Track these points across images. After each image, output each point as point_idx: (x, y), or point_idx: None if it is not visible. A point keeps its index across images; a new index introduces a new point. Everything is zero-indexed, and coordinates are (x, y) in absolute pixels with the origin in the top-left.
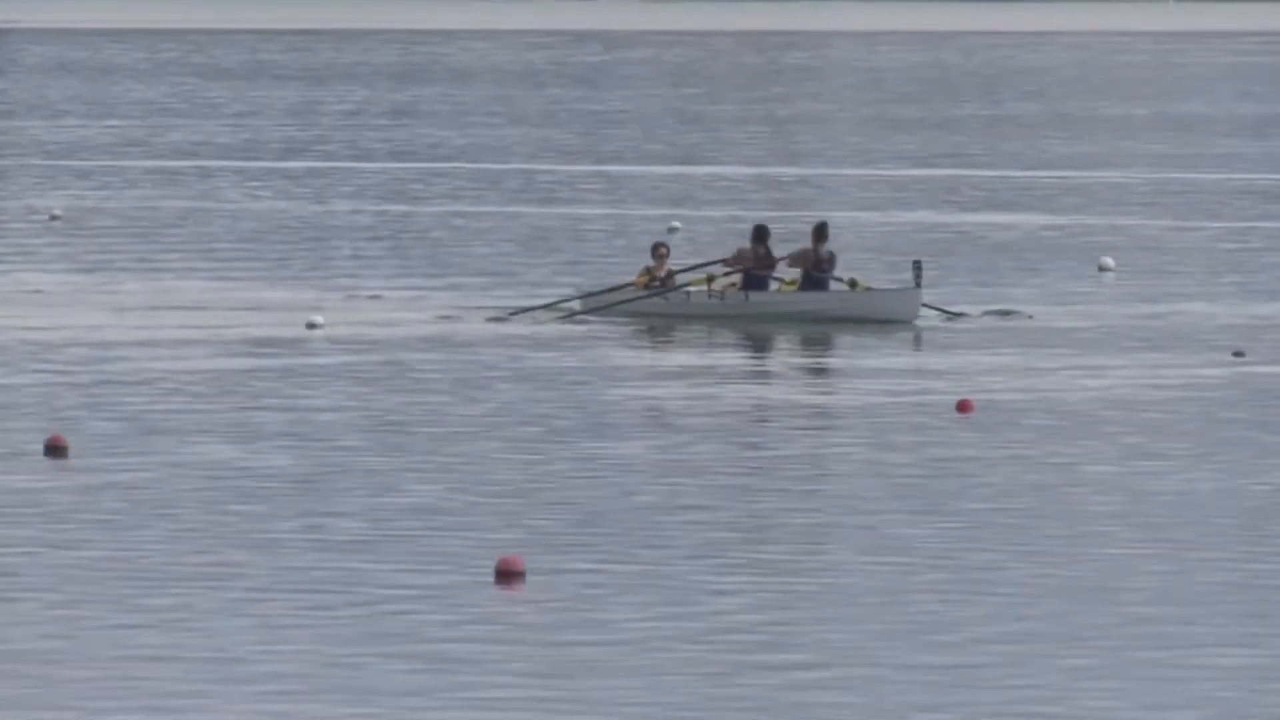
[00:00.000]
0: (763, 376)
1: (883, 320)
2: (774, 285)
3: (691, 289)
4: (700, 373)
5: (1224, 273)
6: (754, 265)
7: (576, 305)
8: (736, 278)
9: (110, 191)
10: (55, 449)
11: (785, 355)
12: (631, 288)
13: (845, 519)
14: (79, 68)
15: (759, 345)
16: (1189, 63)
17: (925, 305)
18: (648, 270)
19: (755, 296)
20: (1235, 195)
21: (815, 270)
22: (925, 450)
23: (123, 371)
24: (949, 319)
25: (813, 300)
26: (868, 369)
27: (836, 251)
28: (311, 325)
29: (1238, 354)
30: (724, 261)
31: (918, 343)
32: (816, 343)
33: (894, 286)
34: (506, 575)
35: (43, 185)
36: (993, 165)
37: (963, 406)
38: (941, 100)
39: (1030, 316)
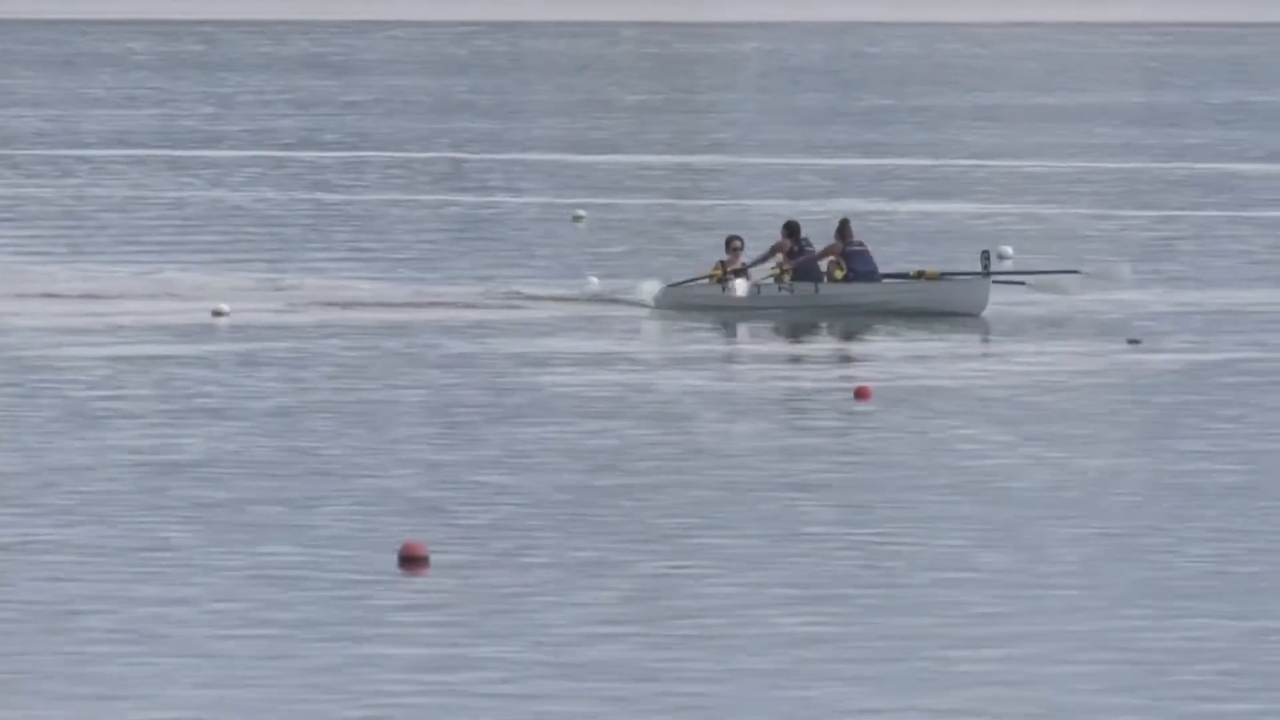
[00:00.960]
0: (683, 364)
1: (952, 312)
2: (824, 276)
3: (763, 282)
4: (620, 360)
5: (1123, 260)
6: (794, 259)
7: (652, 298)
8: (789, 270)
9: (34, 179)
10: None
11: (703, 344)
12: (706, 281)
13: (746, 505)
14: None
15: (679, 337)
16: (1094, 53)
17: (996, 280)
18: (721, 264)
19: (824, 288)
20: (1136, 184)
21: (850, 246)
22: (823, 436)
23: (50, 358)
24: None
25: (882, 291)
26: (778, 355)
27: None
28: (217, 313)
29: (1133, 341)
30: (775, 260)
31: (826, 330)
32: (744, 332)
33: (964, 277)
34: (410, 561)
35: None
36: (901, 154)
37: (860, 393)
38: (849, 90)
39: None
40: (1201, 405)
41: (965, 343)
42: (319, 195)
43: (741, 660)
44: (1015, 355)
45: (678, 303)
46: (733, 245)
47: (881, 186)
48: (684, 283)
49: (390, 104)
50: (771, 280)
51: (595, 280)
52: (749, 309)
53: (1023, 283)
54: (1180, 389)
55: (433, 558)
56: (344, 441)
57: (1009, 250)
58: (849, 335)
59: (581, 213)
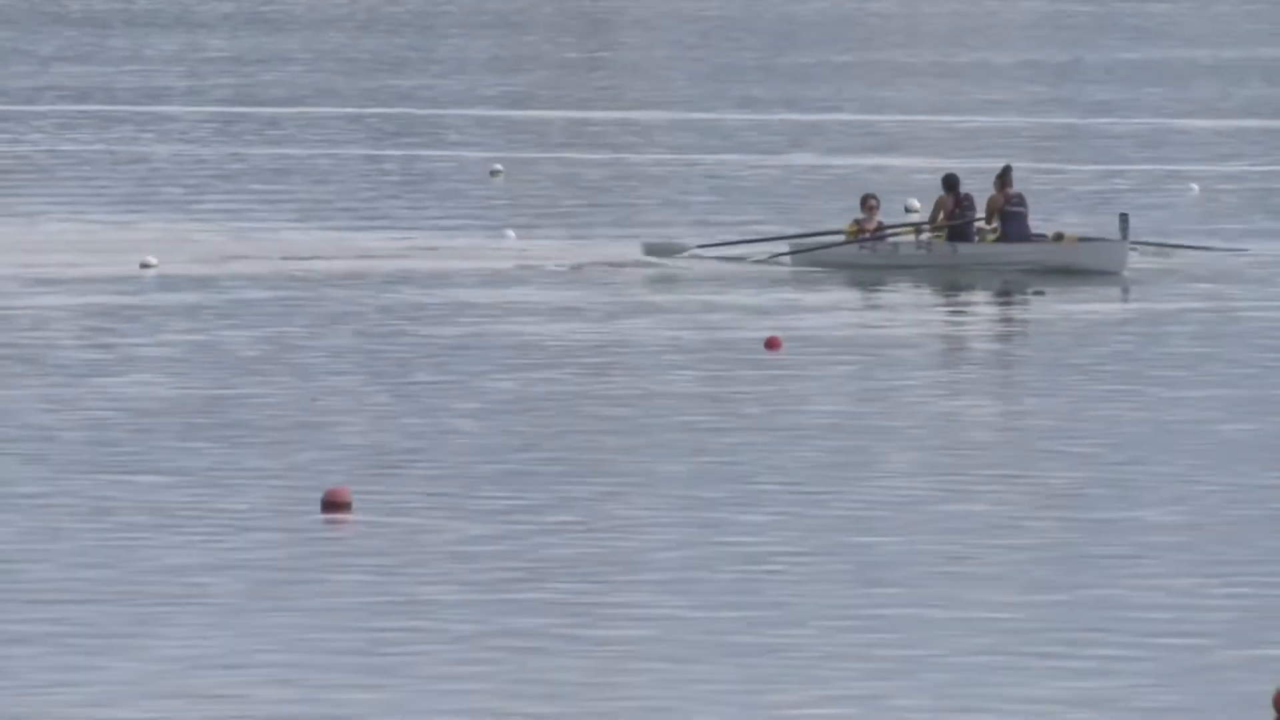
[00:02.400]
0: (612, 314)
1: (1090, 271)
2: (977, 234)
3: (900, 239)
4: (548, 311)
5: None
6: (954, 216)
7: (785, 253)
8: (942, 230)
9: None
10: None
11: (636, 295)
12: (842, 237)
13: (659, 452)
14: None
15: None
16: (998, 14)
17: (1134, 244)
18: (856, 222)
19: (963, 248)
20: (1060, 137)
21: (1009, 207)
22: (732, 385)
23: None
24: (1160, 251)
25: (1021, 251)
26: (694, 304)
27: (1024, 193)
28: (145, 265)
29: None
30: (930, 223)
31: (735, 282)
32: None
33: (1102, 238)
34: (333, 506)
35: None
36: (826, 110)
37: (770, 343)
38: (772, 48)
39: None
40: (1133, 354)
41: (868, 294)
42: (250, 150)
43: (675, 602)
44: (917, 307)
45: (815, 261)
46: (869, 204)
47: (807, 141)
48: (811, 237)
49: (324, 60)
50: (909, 239)
51: (512, 234)
52: (883, 267)
53: (1164, 250)
54: (1117, 338)
55: (356, 503)
56: (271, 388)
57: (915, 203)
58: (757, 286)
59: (499, 167)
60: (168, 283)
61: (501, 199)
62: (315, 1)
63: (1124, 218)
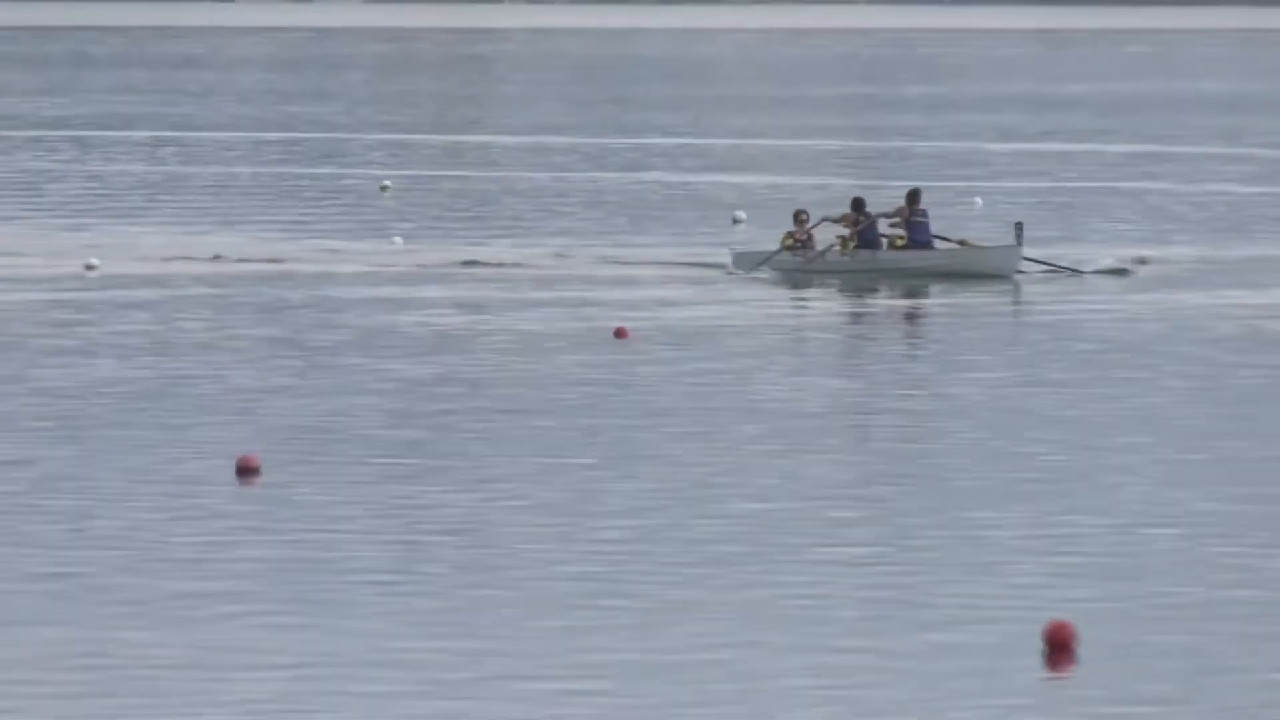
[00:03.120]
0: (479, 306)
1: (987, 274)
2: (884, 243)
3: (827, 251)
4: (432, 304)
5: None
6: (857, 227)
7: (730, 263)
8: (853, 240)
9: None
10: None
11: (502, 292)
12: (780, 248)
13: (519, 431)
14: None
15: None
16: (816, 55)
17: (1027, 259)
18: (790, 234)
19: (881, 255)
20: (825, 157)
21: (915, 218)
22: (583, 370)
23: None
24: (1055, 272)
25: (929, 257)
26: (554, 299)
27: (928, 209)
28: (89, 266)
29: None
30: (835, 220)
31: (604, 280)
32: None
33: (998, 245)
34: (244, 471)
35: None
36: (660, 134)
37: (619, 333)
38: (620, 84)
39: (1144, 262)
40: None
41: (706, 290)
42: (181, 168)
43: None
44: (746, 301)
45: (754, 266)
46: (800, 218)
47: (643, 160)
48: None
49: (246, 94)
50: (836, 248)
51: (399, 240)
52: (818, 272)
53: (1077, 270)
54: (937, 327)
55: (265, 469)
56: (205, 371)
57: (742, 214)
58: (611, 283)
59: (387, 183)
60: (111, 281)
61: (390, 210)
62: (247, 47)
63: (1019, 226)
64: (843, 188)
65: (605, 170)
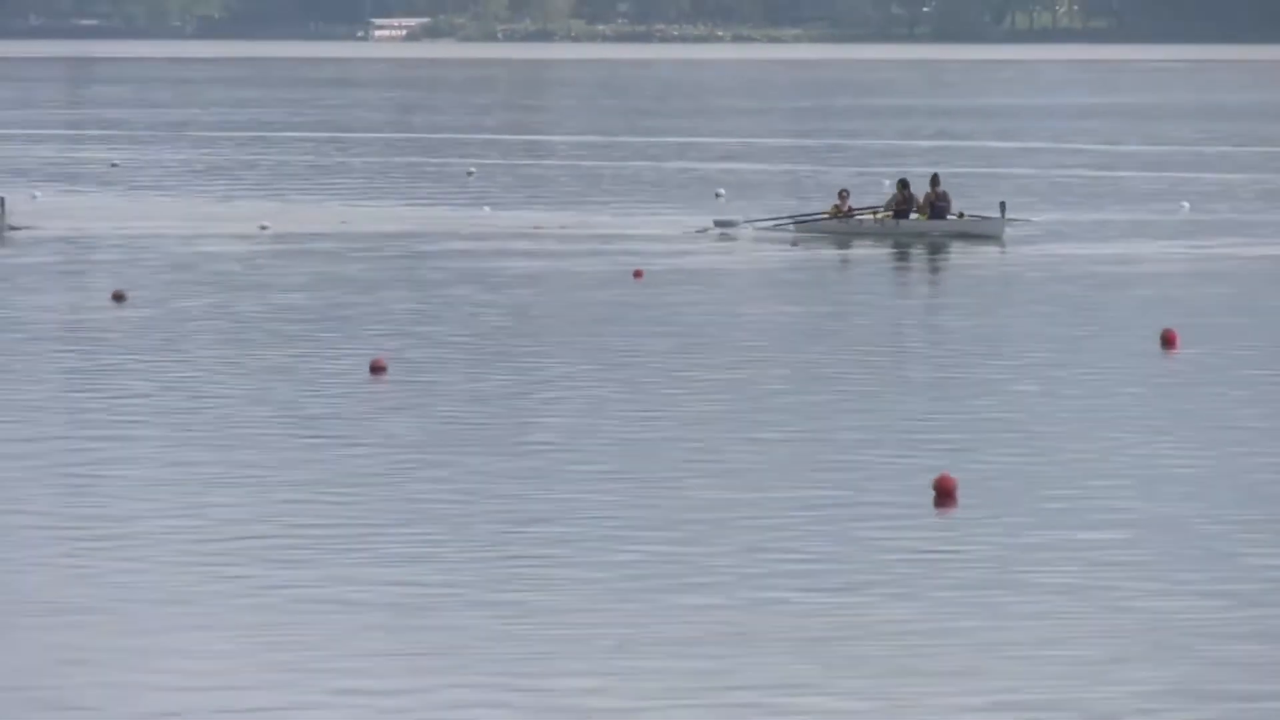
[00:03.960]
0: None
1: (980, 237)
2: (914, 216)
3: (864, 218)
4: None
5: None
6: (900, 206)
7: (790, 223)
8: (889, 212)
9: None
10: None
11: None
12: (826, 215)
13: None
14: None
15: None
16: (770, 77)
17: (1009, 220)
18: (835, 206)
19: (903, 223)
20: (784, 150)
21: (937, 202)
22: (613, 299)
23: None
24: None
25: (938, 226)
26: (594, 251)
27: (949, 192)
28: (263, 227)
29: (794, 244)
30: (886, 207)
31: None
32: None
33: (989, 217)
34: (375, 369)
35: None
36: (669, 134)
37: (636, 274)
38: (639, 98)
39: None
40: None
41: (700, 245)
42: (337, 157)
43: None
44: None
45: (810, 230)
46: (842, 194)
47: (658, 152)
48: (812, 217)
49: (376, 105)
50: (869, 217)
51: (487, 209)
52: (850, 234)
53: (1029, 220)
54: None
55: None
56: (351, 298)
57: (722, 190)
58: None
59: (473, 169)
60: (282, 238)
61: (476, 189)
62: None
63: (1003, 205)
64: (803, 172)
65: (629, 159)
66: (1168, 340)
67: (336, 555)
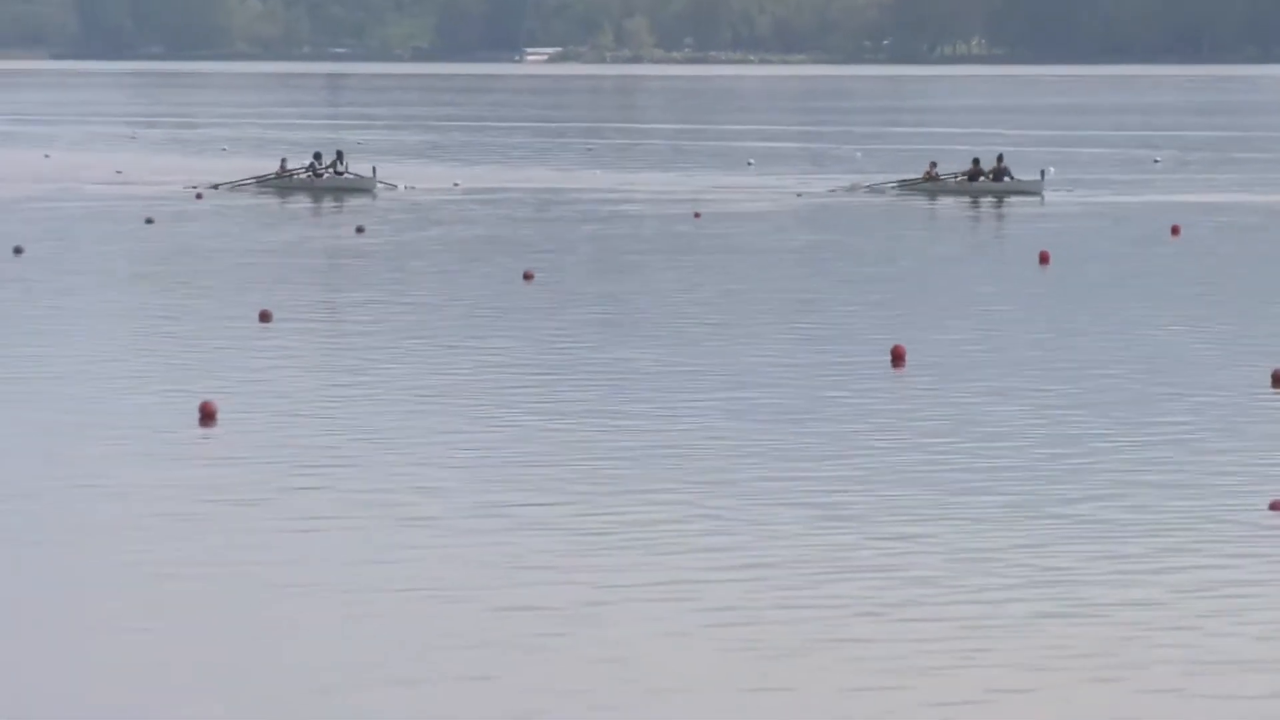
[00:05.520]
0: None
1: (1026, 194)
2: (981, 179)
3: (947, 179)
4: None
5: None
6: (973, 172)
7: (897, 186)
8: (964, 177)
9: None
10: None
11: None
12: (922, 178)
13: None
14: None
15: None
16: (762, 89)
17: (1047, 182)
18: (926, 172)
19: (972, 185)
20: (793, 135)
21: (1000, 171)
22: (674, 232)
23: None
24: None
25: (996, 186)
26: (675, 199)
27: (1006, 166)
28: (455, 184)
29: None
30: (967, 173)
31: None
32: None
33: (1034, 179)
34: (527, 277)
35: None
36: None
37: (696, 215)
38: (707, 108)
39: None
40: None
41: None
42: (499, 139)
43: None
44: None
45: (909, 189)
46: (931, 163)
47: (724, 135)
48: (903, 180)
49: (527, 111)
50: (953, 179)
51: (751, 162)
52: (929, 192)
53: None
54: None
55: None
56: (531, 232)
57: (752, 160)
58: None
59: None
60: (470, 191)
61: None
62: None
63: (1043, 171)
64: (814, 148)
65: (709, 139)
66: (1042, 259)
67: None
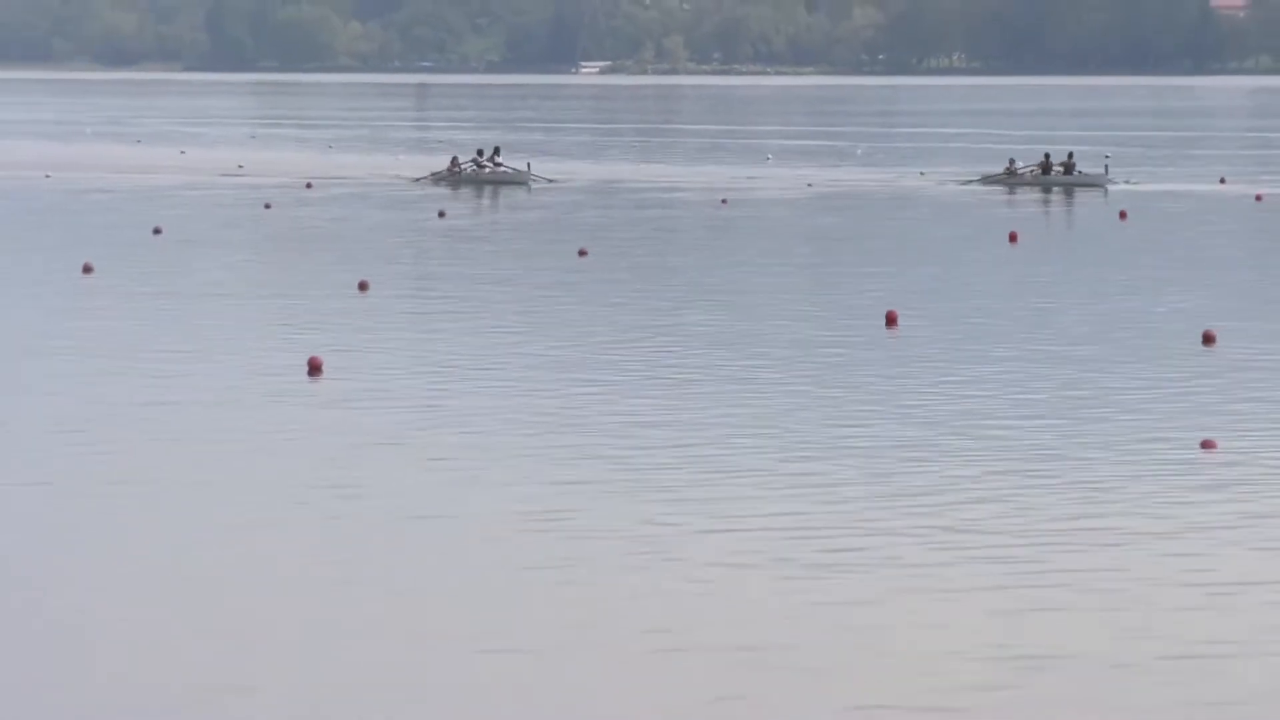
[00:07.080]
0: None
1: (1091, 186)
2: (1053, 172)
3: (1024, 173)
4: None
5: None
6: (1045, 166)
7: (983, 179)
8: (1037, 171)
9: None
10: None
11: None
12: (1003, 173)
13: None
14: None
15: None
16: (763, 96)
17: (1111, 177)
18: (1006, 168)
19: (1044, 178)
20: (806, 134)
21: (1070, 163)
22: (707, 215)
23: None
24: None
25: (1066, 179)
26: (711, 187)
27: (1074, 162)
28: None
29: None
30: (1040, 166)
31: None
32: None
33: (1098, 172)
34: (581, 253)
35: None
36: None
37: (723, 201)
38: (740, 111)
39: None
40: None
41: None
42: (553, 137)
43: None
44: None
45: (992, 181)
46: (1010, 160)
47: (753, 135)
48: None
49: (577, 117)
50: (1029, 172)
51: (770, 157)
52: (1015, 184)
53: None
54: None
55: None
56: (592, 215)
57: (770, 156)
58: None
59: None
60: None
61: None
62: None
63: (1106, 166)
64: (828, 145)
65: (734, 138)
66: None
67: None
